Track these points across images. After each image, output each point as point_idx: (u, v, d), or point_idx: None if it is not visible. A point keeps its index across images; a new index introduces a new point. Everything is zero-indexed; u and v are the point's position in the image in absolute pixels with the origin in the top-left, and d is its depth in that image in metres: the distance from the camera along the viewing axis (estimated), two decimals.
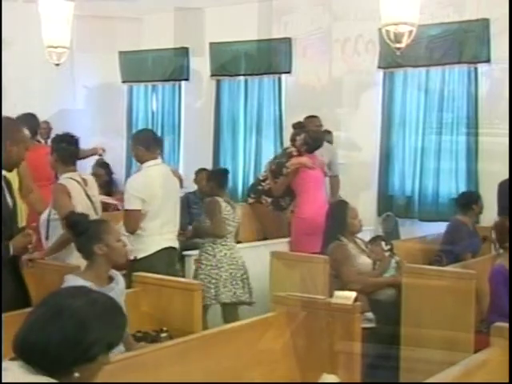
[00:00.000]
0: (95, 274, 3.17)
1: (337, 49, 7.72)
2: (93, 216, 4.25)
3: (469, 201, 5.87)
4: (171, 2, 8.04)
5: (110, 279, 3.23)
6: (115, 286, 3.23)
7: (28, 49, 8.41)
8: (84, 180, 4.42)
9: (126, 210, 4.59)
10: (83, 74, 9.39)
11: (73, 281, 3.12)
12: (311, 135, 6.14)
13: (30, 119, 5.55)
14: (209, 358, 2.97)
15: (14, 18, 7.90)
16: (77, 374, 1.83)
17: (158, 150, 4.80)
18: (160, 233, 4.63)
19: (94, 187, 4.57)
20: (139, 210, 4.50)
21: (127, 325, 1.99)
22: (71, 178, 4.31)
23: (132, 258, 4.44)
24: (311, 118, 6.79)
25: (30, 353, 1.83)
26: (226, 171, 5.47)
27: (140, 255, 4.54)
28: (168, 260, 4.67)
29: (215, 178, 5.21)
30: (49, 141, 7.31)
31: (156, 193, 4.59)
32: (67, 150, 4.38)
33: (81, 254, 3.27)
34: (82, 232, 3.25)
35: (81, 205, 4.25)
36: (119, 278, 3.29)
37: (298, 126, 6.53)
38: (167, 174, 4.85)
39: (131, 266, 4.34)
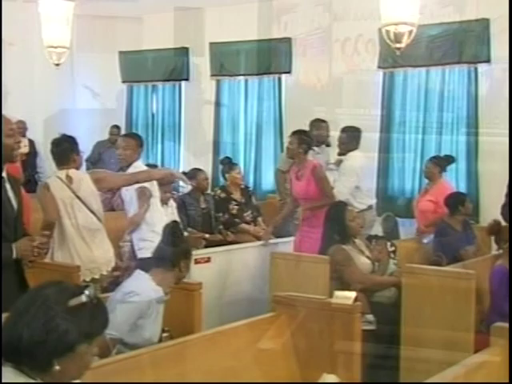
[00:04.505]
0: (166, 283, 3.30)
1: (337, 49, 7.71)
2: (77, 214, 4.26)
3: (455, 201, 5.75)
4: (171, 1, 8.03)
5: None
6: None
7: (28, 49, 8.42)
8: (69, 177, 4.36)
9: None
10: (83, 73, 9.39)
11: (144, 279, 3.27)
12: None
13: None
14: (209, 357, 2.96)
15: (14, 18, 7.90)
16: (57, 367, 1.78)
17: None
18: None
19: (82, 183, 4.45)
20: None
21: (107, 323, 1.92)
22: (56, 177, 4.34)
23: None
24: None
25: (9, 353, 1.79)
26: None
27: None
28: None
29: None
30: (25, 140, 7.29)
31: None
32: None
33: (162, 260, 3.34)
34: (178, 243, 3.35)
35: (63, 203, 4.26)
36: None
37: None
38: None
39: None
